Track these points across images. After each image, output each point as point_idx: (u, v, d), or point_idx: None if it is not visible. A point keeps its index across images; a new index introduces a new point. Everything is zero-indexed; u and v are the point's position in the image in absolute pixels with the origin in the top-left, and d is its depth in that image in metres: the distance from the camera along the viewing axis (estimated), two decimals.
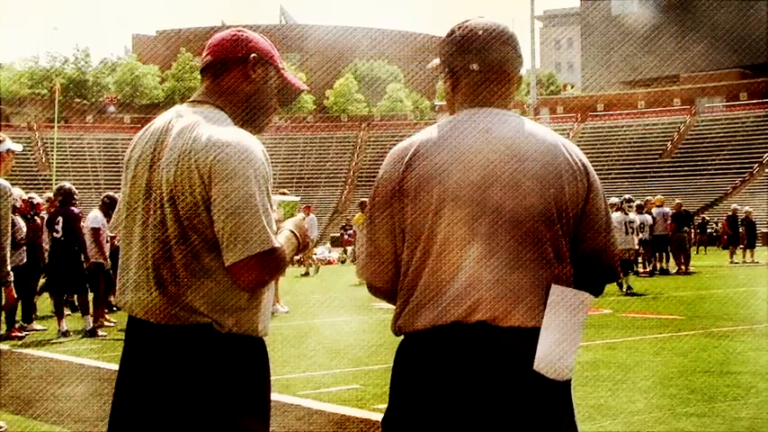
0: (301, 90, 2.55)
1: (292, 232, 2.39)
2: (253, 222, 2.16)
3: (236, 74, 2.40)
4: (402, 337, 2.17)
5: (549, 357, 2.05)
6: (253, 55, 2.41)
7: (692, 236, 22.95)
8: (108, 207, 11.85)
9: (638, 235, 15.99)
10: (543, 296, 2.08)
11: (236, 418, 2.23)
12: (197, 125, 2.27)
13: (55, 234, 10.75)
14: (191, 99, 2.43)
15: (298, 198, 2.69)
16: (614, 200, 17.27)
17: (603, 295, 14.07)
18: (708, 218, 40.14)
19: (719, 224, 31.13)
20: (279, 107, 2.54)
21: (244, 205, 2.16)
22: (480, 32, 2.23)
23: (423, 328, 2.08)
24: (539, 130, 2.19)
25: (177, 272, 2.24)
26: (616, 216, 15.42)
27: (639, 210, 17.51)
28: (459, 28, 2.27)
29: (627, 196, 16.54)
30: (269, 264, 2.20)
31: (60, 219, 10.75)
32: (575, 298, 2.11)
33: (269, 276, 2.24)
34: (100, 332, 10.62)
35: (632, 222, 15.40)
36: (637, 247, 15.47)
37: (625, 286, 14.79)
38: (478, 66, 2.22)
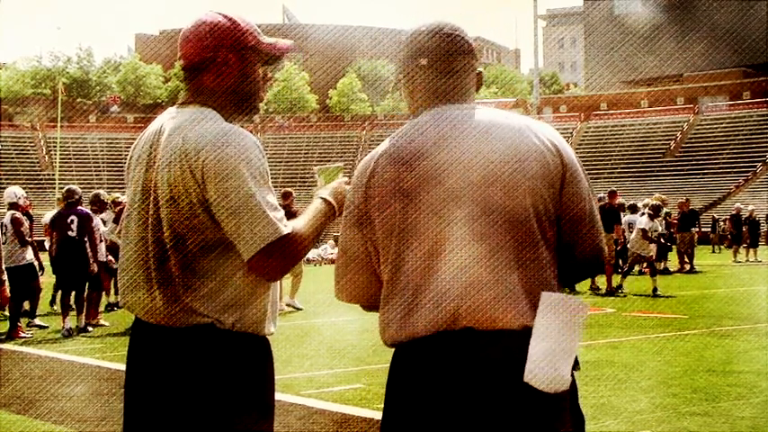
0: (286, 50, 2.47)
1: (323, 199, 2.37)
2: (256, 217, 2.15)
3: (213, 72, 2.36)
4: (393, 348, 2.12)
5: (539, 369, 1.94)
6: (222, 50, 2.35)
7: (697, 235, 22.83)
8: (98, 207, 11.93)
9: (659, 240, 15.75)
10: (527, 295, 1.99)
11: (238, 418, 2.22)
12: (186, 126, 2.26)
13: (69, 233, 10.79)
14: (179, 101, 2.42)
15: (340, 163, 2.63)
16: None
17: (623, 294, 13.95)
18: (717, 216, 39.97)
19: (726, 223, 31.04)
20: (272, 65, 2.47)
21: (244, 203, 2.15)
22: (423, 29, 2.21)
23: (408, 339, 2.03)
24: (503, 120, 2.11)
25: (176, 272, 2.23)
26: (644, 221, 15.07)
27: (633, 210, 17.39)
28: (407, 34, 2.25)
29: (666, 211, 15.93)
30: (283, 251, 2.17)
31: (75, 218, 10.81)
32: (569, 303, 1.99)
33: (290, 261, 2.21)
34: (89, 328, 10.82)
35: (656, 231, 15.16)
36: (653, 253, 15.36)
37: (652, 287, 14.62)
38: (426, 60, 2.19)
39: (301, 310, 13.02)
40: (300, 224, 2.25)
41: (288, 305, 12.88)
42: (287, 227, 2.19)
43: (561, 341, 1.97)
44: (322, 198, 2.37)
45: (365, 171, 2.15)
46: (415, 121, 2.17)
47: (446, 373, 1.97)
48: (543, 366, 1.94)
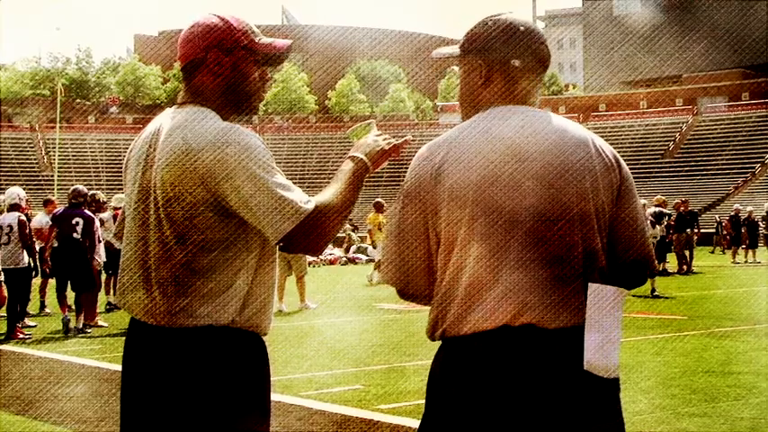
0: (284, 49, 2.46)
1: (351, 158, 2.38)
2: (273, 204, 2.15)
3: (207, 72, 2.37)
4: (440, 342, 2.12)
5: (597, 356, 2.03)
6: (213, 51, 2.36)
7: (696, 236, 22.79)
8: (95, 207, 11.93)
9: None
10: (578, 295, 2.05)
11: (236, 417, 2.22)
12: (186, 126, 2.26)
13: (74, 235, 10.78)
14: (177, 102, 2.42)
15: (370, 121, 2.61)
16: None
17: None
18: (719, 218, 39.89)
19: (726, 224, 31.02)
20: (272, 66, 2.47)
21: (256, 195, 2.15)
22: (522, 28, 2.19)
23: (469, 333, 2.03)
24: (570, 127, 2.17)
25: (176, 272, 2.23)
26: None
27: None
28: (495, 22, 2.21)
29: (670, 213, 16.83)
30: (312, 228, 2.17)
31: (80, 221, 10.82)
32: (612, 294, 2.08)
33: (325, 234, 2.20)
34: (87, 330, 10.83)
35: (655, 238, 15.81)
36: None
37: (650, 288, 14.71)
38: (521, 62, 2.18)
39: (317, 306, 13.27)
40: (326, 196, 2.25)
41: (303, 308, 12.97)
42: (309, 203, 2.19)
43: (610, 330, 2.06)
44: (350, 157, 2.38)
45: (433, 159, 2.12)
46: (490, 115, 2.16)
47: (509, 368, 2.00)
48: (598, 356, 2.03)
